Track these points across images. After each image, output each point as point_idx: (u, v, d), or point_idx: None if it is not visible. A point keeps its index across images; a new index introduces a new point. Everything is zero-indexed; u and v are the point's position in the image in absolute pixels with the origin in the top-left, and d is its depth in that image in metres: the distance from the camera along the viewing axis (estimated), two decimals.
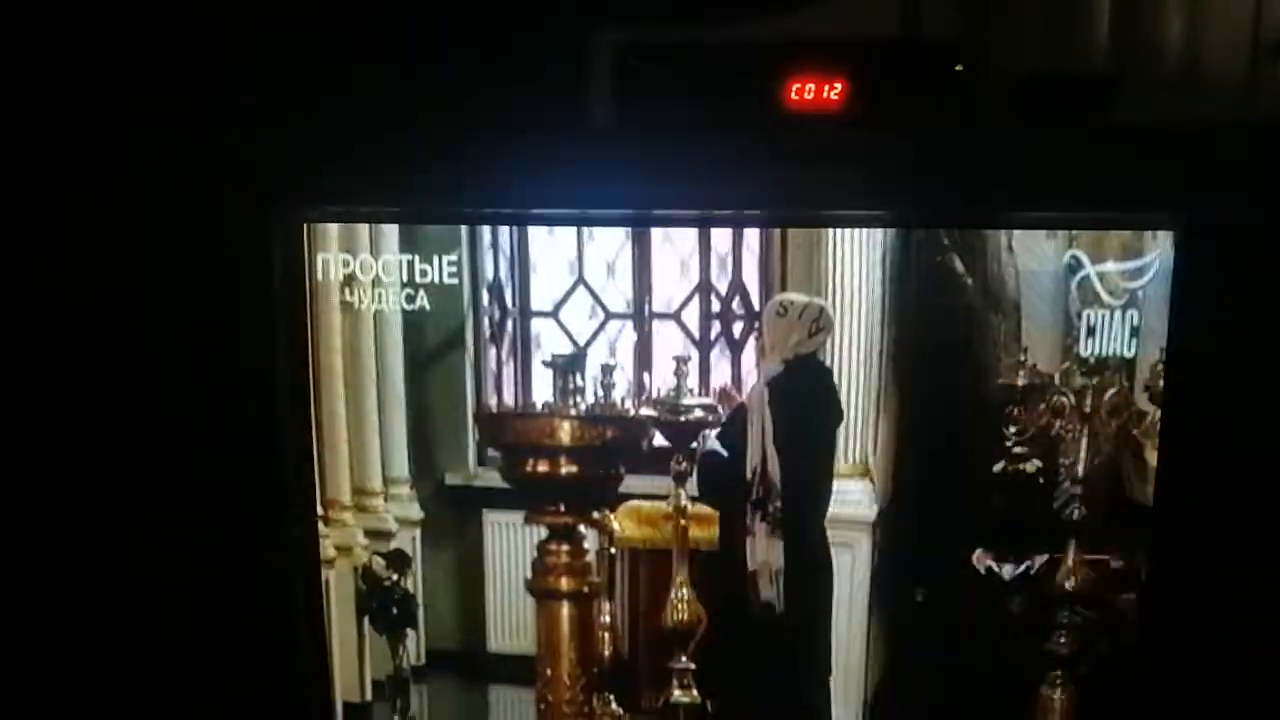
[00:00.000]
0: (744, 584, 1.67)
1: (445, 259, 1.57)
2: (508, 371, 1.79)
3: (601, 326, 1.72)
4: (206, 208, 1.33)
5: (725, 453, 1.68)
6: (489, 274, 1.68)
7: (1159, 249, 1.24)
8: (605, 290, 1.71)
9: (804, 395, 1.66)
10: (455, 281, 1.59)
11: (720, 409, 1.69)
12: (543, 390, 1.73)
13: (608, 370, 1.70)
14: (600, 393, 1.71)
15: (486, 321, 1.74)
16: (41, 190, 1.31)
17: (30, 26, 1.25)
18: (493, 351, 1.77)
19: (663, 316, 1.74)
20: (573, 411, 1.69)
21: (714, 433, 1.68)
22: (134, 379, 1.41)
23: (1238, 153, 1.13)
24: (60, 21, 1.25)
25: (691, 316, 1.74)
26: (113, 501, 1.45)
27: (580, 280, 1.70)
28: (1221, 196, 1.13)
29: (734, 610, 1.70)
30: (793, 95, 1.21)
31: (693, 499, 1.72)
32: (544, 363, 1.69)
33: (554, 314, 1.73)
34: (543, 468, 1.72)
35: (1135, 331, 1.29)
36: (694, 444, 1.70)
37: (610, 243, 1.66)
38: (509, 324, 1.76)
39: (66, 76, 1.26)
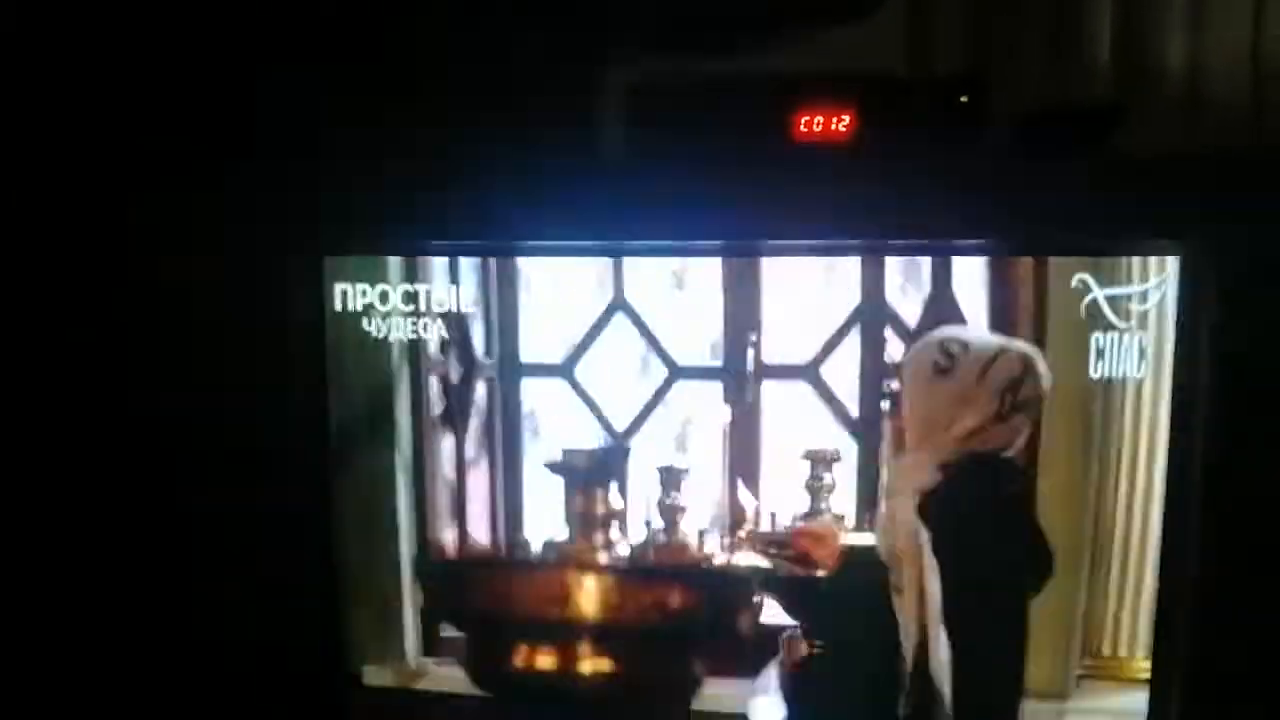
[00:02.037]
0: None
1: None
2: (476, 480, 1.37)
3: (660, 394, 1.29)
4: (239, 246, 1.33)
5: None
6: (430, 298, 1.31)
7: (1166, 273, 1.22)
8: (662, 324, 1.29)
9: (982, 521, 1.24)
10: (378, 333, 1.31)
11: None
12: (542, 515, 1.32)
13: (672, 478, 1.27)
14: (657, 520, 1.27)
15: (436, 386, 1.34)
16: (97, 224, 1.41)
17: (94, 82, 1.39)
18: (447, 442, 1.35)
19: (782, 372, 1.27)
20: (602, 556, 1.26)
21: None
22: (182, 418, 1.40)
23: (1239, 179, 1.16)
24: (114, 75, 1.39)
25: (841, 372, 1.28)
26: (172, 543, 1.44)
27: (618, 306, 1.29)
28: (1223, 222, 1.16)
29: None
30: (801, 128, 1.23)
31: None
32: (546, 465, 1.30)
33: (565, 370, 1.31)
34: (545, 662, 1.27)
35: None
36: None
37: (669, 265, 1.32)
38: (477, 388, 1.35)
39: (115, 129, 1.39)
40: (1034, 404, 1.22)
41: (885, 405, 1.29)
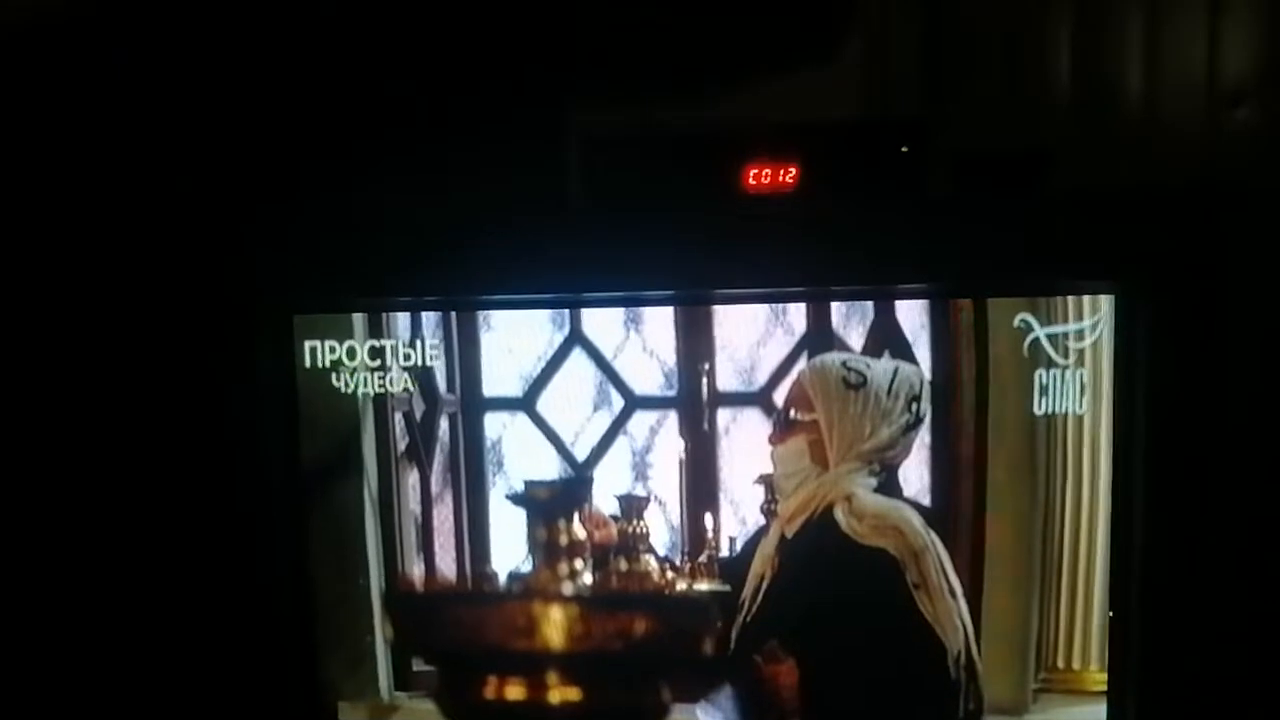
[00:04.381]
0: None
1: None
2: (442, 514, 1.36)
3: (619, 424, 1.30)
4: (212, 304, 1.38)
5: None
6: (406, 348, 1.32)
7: (1101, 311, 1.27)
8: (623, 358, 1.30)
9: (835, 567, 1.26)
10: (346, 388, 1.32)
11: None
12: (508, 548, 1.31)
13: (633, 507, 1.28)
14: (620, 550, 1.29)
15: (401, 423, 1.34)
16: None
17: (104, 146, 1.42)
18: (413, 477, 1.35)
19: (735, 399, 1.29)
20: (566, 586, 1.25)
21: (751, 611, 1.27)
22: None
23: (1169, 218, 1.24)
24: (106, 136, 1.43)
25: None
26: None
27: (575, 338, 1.30)
28: (1155, 260, 1.23)
29: None
30: (750, 179, 1.29)
31: None
32: (508, 497, 1.29)
33: (525, 404, 1.32)
34: (514, 693, 1.25)
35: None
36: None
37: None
38: (441, 424, 1.34)
39: (89, 190, 1.43)
40: (923, 420, 1.26)
41: (782, 421, 1.27)
